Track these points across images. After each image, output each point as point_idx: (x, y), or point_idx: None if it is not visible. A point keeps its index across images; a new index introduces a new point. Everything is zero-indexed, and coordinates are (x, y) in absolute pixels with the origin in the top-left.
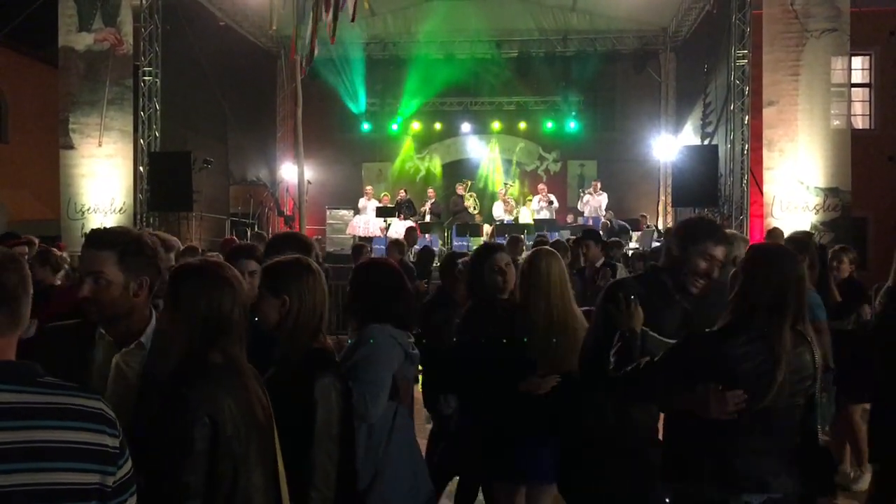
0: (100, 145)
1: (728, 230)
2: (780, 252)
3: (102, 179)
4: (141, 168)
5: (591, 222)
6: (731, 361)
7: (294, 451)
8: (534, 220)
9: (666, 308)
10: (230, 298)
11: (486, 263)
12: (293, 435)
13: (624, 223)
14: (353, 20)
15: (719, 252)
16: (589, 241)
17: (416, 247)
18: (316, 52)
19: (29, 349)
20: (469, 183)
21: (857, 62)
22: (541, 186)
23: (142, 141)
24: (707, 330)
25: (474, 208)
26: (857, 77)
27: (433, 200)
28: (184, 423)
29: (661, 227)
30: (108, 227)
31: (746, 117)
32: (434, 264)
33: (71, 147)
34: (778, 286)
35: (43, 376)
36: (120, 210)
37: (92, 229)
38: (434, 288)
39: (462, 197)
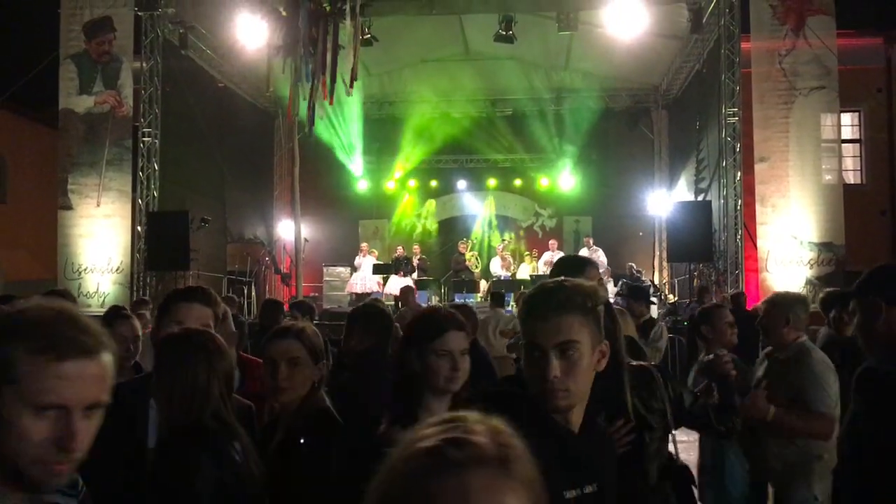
0: (98, 205)
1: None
2: None
3: (100, 239)
4: (139, 228)
5: None
6: None
7: None
8: (531, 275)
9: None
10: (205, 368)
11: None
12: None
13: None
14: (351, 87)
15: None
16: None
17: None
18: (320, 114)
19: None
20: (471, 242)
21: (847, 118)
22: (551, 242)
23: (140, 201)
24: None
25: (476, 266)
26: (847, 133)
27: (419, 256)
28: (171, 489)
29: (656, 281)
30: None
31: (738, 173)
32: None
33: (69, 207)
34: None
35: None
36: (117, 269)
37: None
38: None
39: (463, 255)
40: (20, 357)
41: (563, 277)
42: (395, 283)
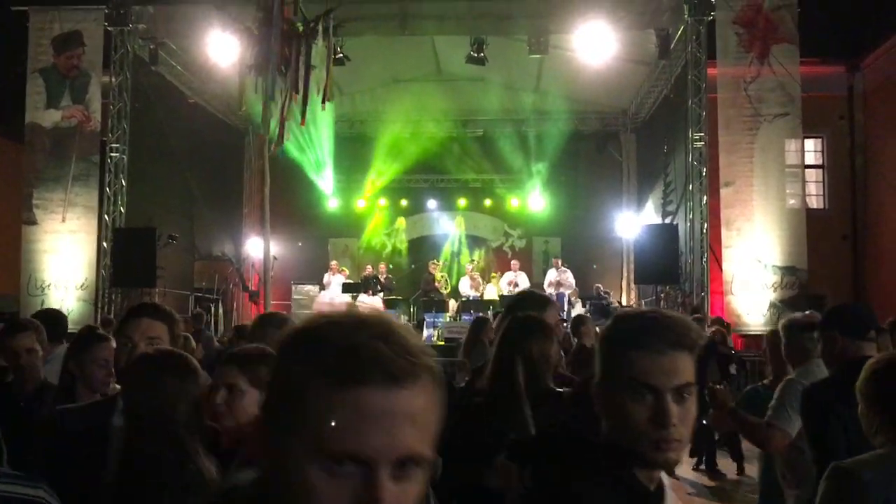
0: (63, 221)
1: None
2: None
3: (65, 255)
4: (105, 244)
5: (555, 298)
6: None
7: None
8: (499, 296)
9: None
10: (174, 392)
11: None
12: None
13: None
14: (323, 105)
15: None
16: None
17: None
18: (287, 136)
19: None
20: (440, 263)
21: (811, 144)
22: (514, 263)
23: (107, 217)
24: None
25: (444, 287)
26: (810, 158)
27: (386, 275)
28: None
29: (624, 302)
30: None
31: (705, 197)
32: None
33: (33, 222)
34: None
35: None
36: (81, 286)
37: None
38: None
39: (433, 276)
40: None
41: (650, 308)
42: (367, 302)
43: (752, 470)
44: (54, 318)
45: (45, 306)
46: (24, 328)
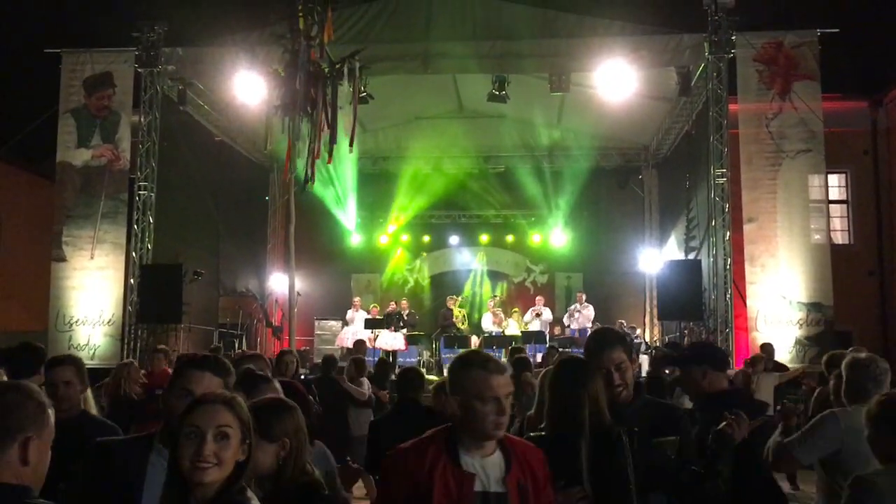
0: (92, 258)
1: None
2: None
3: (92, 291)
4: (132, 280)
5: (577, 335)
6: None
7: None
8: (522, 332)
9: None
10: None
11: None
12: None
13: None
14: (350, 148)
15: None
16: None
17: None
18: (313, 176)
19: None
20: (459, 299)
21: (834, 179)
22: (538, 299)
23: (134, 254)
24: None
25: (463, 322)
26: (834, 194)
27: (408, 311)
28: None
29: (647, 339)
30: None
31: (728, 233)
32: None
33: (63, 259)
34: None
35: (33, 498)
36: (108, 322)
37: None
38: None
39: (451, 311)
40: None
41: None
42: (387, 338)
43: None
44: (32, 350)
45: (71, 342)
46: (61, 362)
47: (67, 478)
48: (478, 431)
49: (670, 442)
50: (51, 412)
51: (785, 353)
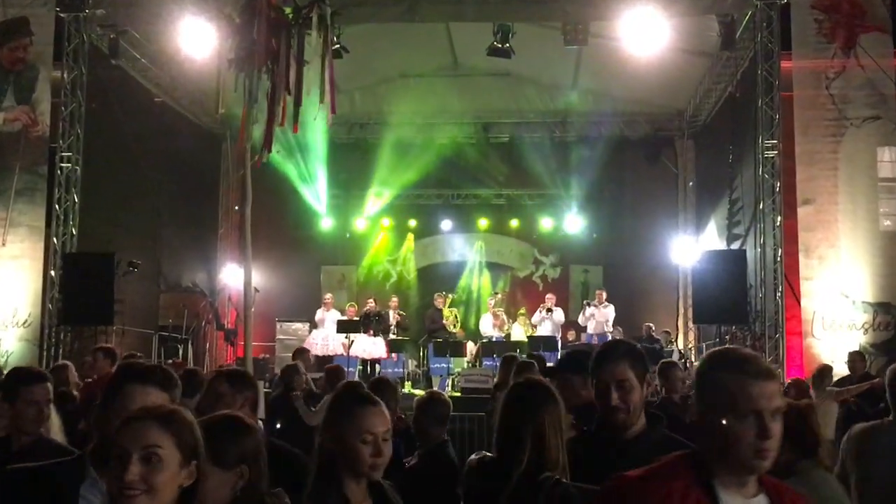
0: (3, 244)
1: None
2: None
3: (4, 286)
4: (52, 272)
5: (595, 340)
6: None
7: None
8: (528, 336)
9: None
10: None
11: None
12: None
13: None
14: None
15: None
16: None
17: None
18: (270, 145)
19: None
20: (450, 297)
21: None
22: (549, 297)
23: (55, 239)
24: None
25: (454, 325)
26: None
27: (398, 311)
28: None
29: (681, 346)
30: None
31: (779, 218)
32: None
33: None
34: None
35: None
36: (24, 324)
37: None
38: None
39: (440, 311)
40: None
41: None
42: (364, 344)
43: None
44: None
45: None
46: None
47: None
48: (737, 462)
49: None
50: None
51: (846, 364)
